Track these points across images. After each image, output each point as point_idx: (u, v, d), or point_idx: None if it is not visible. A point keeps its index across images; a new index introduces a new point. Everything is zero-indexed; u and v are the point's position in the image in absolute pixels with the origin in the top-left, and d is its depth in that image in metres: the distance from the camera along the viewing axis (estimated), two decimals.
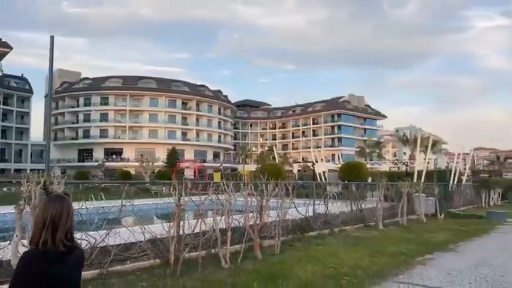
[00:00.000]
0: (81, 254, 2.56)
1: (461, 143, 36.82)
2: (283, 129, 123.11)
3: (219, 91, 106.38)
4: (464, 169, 39.24)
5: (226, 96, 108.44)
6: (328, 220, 14.13)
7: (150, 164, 58.98)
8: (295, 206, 12.46)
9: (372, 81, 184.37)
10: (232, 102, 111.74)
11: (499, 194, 36.25)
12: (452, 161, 37.37)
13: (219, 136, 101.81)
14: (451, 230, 15.83)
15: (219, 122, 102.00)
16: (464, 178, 33.68)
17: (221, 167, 72.36)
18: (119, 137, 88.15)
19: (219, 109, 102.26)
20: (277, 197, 10.70)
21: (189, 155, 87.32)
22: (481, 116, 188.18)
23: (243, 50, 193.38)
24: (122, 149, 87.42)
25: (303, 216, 13.04)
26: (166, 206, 9.23)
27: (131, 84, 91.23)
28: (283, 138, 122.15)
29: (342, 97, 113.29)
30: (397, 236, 14.01)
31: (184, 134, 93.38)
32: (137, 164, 64.59)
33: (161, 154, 75.10)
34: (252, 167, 69.87)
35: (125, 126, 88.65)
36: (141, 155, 66.37)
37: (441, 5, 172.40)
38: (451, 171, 31.25)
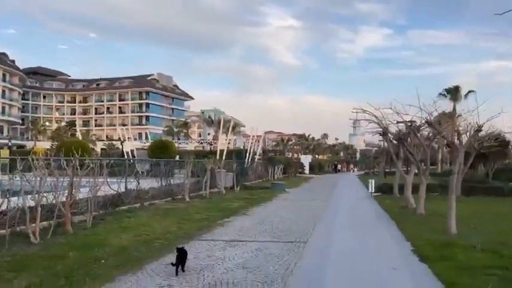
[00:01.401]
0: None
1: (255, 126, 42.85)
2: (84, 104, 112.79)
3: (4, 54, 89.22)
4: (257, 149, 45.61)
5: (13, 61, 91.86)
6: (139, 195, 14.77)
7: None
8: (107, 183, 12.62)
9: (180, 62, 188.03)
10: (22, 68, 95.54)
11: (281, 169, 44.01)
12: (248, 142, 42.80)
13: (3, 107, 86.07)
14: (244, 199, 18.83)
15: (3, 91, 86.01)
16: (256, 157, 39.29)
17: (9, 143, 61.70)
18: None
19: (4, 75, 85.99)
20: (88, 175, 10.74)
21: None
22: (272, 102, 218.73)
23: (35, 7, 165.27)
24: None
25: (114, 192, 13.31)
26: None
27: None
28: (85, 114, 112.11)
29: (151, 75, 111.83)
30: (201, 206, 15.88)
31: None
32: None
33: None
34: (45, 144, 62.39)
35: None
36: None
37: None
38: (246, 150, 35.94)
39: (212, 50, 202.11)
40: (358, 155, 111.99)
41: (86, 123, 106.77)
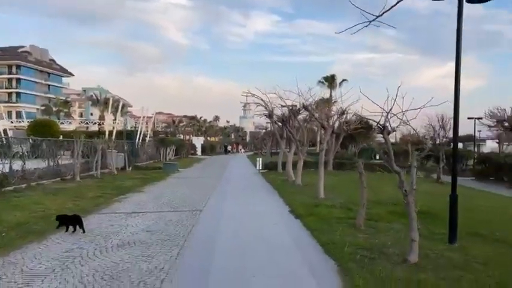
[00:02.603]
0: None
1: (145, 107, 41.72)
2: None
3: None
4: (147, 130, 44.80)
5: None
6: (25, 176, 14.10)
7: None
8: None
9: (57, 35, 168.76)
10: None
11: (173, 150, 44.26)
12: (138, 123, 41.82)
13: None
14: (137, 179, 19.09)
15: None
16: (147, 138, 38.79)
17: None
18: None
19: None
20: None
21: None
22: (161, 82, 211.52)
23: None
24: None
25: None
26: None
27: None
28: None
29: (22, 47, 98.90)
30: (93, 185, 15.80)
31: None
32: None
33: None
34: None
35: None
36: None
37: None
38: (137, 131, 35.31)
39: (95, 24, 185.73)
40: (248, 137, 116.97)
41: None
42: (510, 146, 37.50)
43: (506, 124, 24.17)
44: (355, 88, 12.61)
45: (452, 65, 6.90)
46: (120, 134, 32.29)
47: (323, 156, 13.21)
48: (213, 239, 7.35)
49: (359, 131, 22.43)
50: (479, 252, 6.30)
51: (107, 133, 32.24)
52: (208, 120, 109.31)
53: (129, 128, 39.50)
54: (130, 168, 24.78)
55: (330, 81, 60.58)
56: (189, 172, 26.02)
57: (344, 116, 13.85)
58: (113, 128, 34.27)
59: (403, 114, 5.93)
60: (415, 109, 5.90)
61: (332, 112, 16.26)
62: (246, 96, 24.61)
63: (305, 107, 13.93)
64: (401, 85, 5.70)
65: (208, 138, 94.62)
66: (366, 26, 4.43)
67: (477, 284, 4.80)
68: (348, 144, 45.13)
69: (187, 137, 76.35)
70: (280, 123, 20.69)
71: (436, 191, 15.36)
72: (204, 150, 64.07)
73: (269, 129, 46.73)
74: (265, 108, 18.95)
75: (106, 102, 39.62)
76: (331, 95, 56.51)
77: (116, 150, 23.68)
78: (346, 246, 6.39)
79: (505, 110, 23.67)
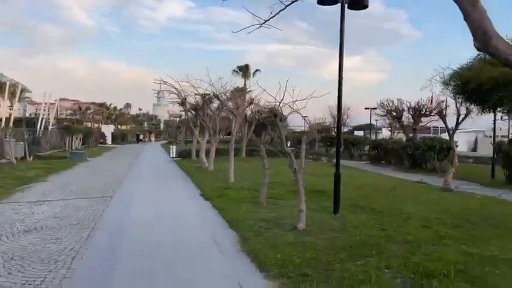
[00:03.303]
0: None
1: (48, 92, 38.38)
2: None
3: None
4: (50, 117, 41.50)
5: None
6: None
7: None
8: None
9: None
10: None
11: (80, 139, 41.79)
12: (39, 110, 38.58)
13: None
14: (40, 168, 18.02)
15: None
16: (50, 126, 36.04)
17: None
18: None
19: None
20: None
21: None
22: (65, 66, 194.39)
23: None
24: None
25: None
26: None
27: None
28: None
29: None
30: None
31: None
32: None
33: None
34: None
35: None
36: None
37: None
38: (38, 118, 32.67)
39: None
40: (162, 125, 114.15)
41: None
42: (400, 134, 42.62)
43: (394, 114, 27.57)
44: (267, 78, 13.59)
45: (355, 59, 8.09)
46: (19, 121, 29.68)
47: (233, 144, 14.05)
48: (123, 220, 7.67)
49: (271, 119, 23.73)
50: (355, 219, 7.62)
51: (3, 120, 29.38)
52: (118, 108, 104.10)
53: (28, 115, 36.37)
54: (31, 157, 23.12)
55: (244, 70, 62.00)
56: (98, 161, 25.12)
57: (252, 105, 14.78)
58: (10, 115, 31.30)
59: (294, 103, 6.90)
60: (302, 100, 6.90)
61: (245, 101, 17.12)
62: (160, 83, 24.43)
63: (216, 96, 14.58)
64: (315, 77, 6.73)
65: (119, 126, 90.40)
66: (257, 28, 5.18)
67: (347, 241, 5.96)
68: (261, 132, 47.23)
69: (96, 125, 72.16)
70: (193, 112, 21.07)
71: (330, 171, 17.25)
72: (114, 139, 61.37)
73: (183, 117, 46.55)
74: (178, 96, 19.16)
75: (1, 86, 35.70)
76: (245, 84, 58.02)
77: (14, 139, 21.91)
78: (247, 221, 7.25)
79: (392, 101, 26.99)
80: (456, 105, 13.82)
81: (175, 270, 4.91)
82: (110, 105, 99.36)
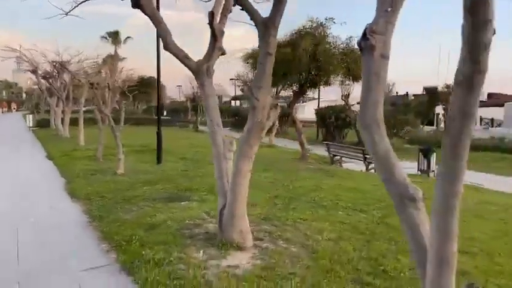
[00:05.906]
0: None
1: None
2: None
3: None
4: None
5: None
6: None
7: None
8: None
9: None
10: None
11: None
12: None
13: None
14: None
15: None
16: None
17: None
18: None
19: None
20: None
21: None
22: None
23: None
24: None
25: None
26: None
27: None
28: None
29: None
30: None
31: None
32: None
33: None
34: None
35: None
36: None
37: None
38: None
39: None
40: (24, 94, 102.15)
41: None
42: None
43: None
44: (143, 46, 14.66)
45: None
46: None
47: (82, 113, 15.16)
48: None
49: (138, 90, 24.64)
50: (173, 166, 9.98)
51: None
52: None
53: None
54: None
55: (114, 37, 59.55)
56: None
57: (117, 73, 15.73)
58: None
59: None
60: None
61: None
62: (18, 51, 22.99)
63: (61, 64, 15.27)
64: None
65: None
66: (64, 17, 6.67)
67: (153, 178, 8.19)
68: (134, 102, 47.44)
69: None
70: (44, 79, 20.88)
71: (188, 136, 19.60)
72: None
73: (40, 86, 43.50)
74: (30, 64, 18.90)
75: None
76: (116, 52, 56.24)
77: None
78: (80, 171, 8.95)
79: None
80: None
81: (16, 198, 6.49)
82: None
